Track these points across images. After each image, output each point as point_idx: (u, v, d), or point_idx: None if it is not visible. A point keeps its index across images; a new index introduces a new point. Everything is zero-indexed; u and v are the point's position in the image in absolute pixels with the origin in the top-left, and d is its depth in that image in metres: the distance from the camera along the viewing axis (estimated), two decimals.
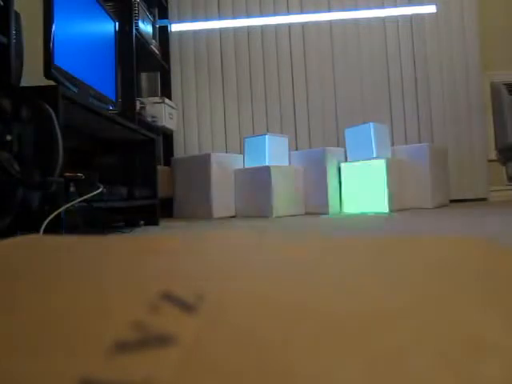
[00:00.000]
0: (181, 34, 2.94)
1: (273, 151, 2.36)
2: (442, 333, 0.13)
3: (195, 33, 2.93)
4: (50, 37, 1.21)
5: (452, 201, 2.68)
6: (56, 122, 1.04)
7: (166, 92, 2.82)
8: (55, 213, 1.04)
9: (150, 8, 2.48)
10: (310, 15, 2.88)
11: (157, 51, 2.55)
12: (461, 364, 0.11)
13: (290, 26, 2.89)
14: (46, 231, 1.00)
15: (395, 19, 2.85)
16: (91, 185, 1.29)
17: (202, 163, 2.34)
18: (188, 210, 2.42)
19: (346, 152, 2.44)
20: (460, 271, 0.21)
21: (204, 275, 0.20)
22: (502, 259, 0.24)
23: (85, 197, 1.21)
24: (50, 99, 1.06)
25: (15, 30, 1.10)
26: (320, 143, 2.80)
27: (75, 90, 1.34)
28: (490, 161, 2.75)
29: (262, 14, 2.90)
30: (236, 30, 2.90)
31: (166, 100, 2.45)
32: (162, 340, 0.12)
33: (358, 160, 2.29)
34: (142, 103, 2.32)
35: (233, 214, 2.38)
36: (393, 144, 2.65)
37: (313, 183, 2.34)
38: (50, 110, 1.04)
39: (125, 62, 2.03)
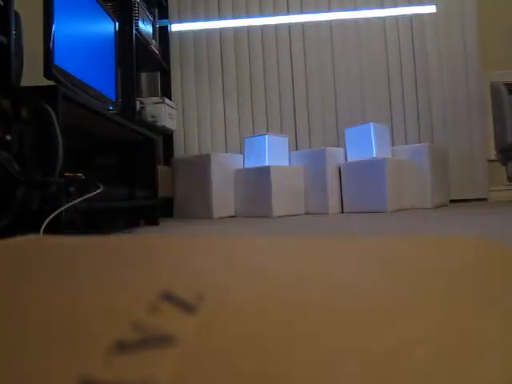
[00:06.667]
0: (181, 34, 2.94)
1: (273, 151, 2.36)
2: (442, 332, 0.13)
3: (195, 33, 2.93)
4: (50, 37, 1.21)
5: (452, 201, 2.68)
6: (56, 122, 1.04)
7: (166, 92, 2.82)
8: (55, 213, 1.04)
9: (150, 8, 2.48)
10: (310, 15, 2.88)
11: (157, 51, 2.55)
12: (461, 364, 0.11)
13: (289, 26, 2.89)
14: (45, 231, 1.00)
15: (395, 19, 2.85)
16: (91, 185, 1.29)
17: (202, 163, 2.34)
18: (188, 210, 2.42)
19: (346, 152, 2.44)
20: (460, 271, 0.21)
21: (204, 275, 0.20)
22: (502, 259, 0.24)
23: (85, 197, 1.21)
24: (50, 99, 1.06)
25: (15, 30, 1.10)
26: (320, 143, 2.80)
27: (75, 89, 1.34)
28: (490, 161, 2.75)
29: (262, 14, 2.90)
30: (236, 30, 2.90)
31: (166, 100, 2.45)
32: (162, 340, 0.12)
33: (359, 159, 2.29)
34: (141, 103, 2.32)
35: (233, 213, 2.38)
36: (393, 144, 2.65)
37: (313, 183, 2.34)
38: (50, 110, 1.04)
39: (125, 62, 2.03)
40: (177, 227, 1.78)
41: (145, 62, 2.45)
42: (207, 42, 2.92)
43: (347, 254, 0.26)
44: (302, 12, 2.89)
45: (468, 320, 0.14)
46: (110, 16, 1.78)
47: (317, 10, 2.88)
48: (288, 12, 2.90)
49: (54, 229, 1.04)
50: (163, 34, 2.82)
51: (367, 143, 2.30)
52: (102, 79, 1.64)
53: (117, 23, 1.85)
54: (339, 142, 2.78)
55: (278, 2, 2.91)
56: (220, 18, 2.92)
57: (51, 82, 1.20)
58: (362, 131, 2.34)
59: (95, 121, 1.44)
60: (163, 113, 2.39)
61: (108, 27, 1.77)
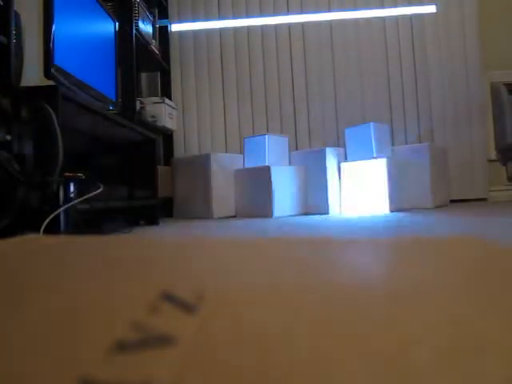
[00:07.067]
0: (181, 34, 2.94)
1: (273, 151, 2.36)
2: (443, 332, 0.13)
3: (195, 33, 2.93)
4: (50, 37, 1.21)
5: (452, 201, 2.68)
6: (56, 122, 1.04)
7: (166, 92, 2.82)
8: (55, 213, 1.04)
9: (150, 8, 2.48)
10: (310, 15, 2.88)
11: (157, 51, 2.55)
12: (461, 363, 0.11)
13: (289, 26, 2.89)
14: (45, 231, 1.00)
15: (395, 19, 2.85)
16: (91, 185, 1.29)
17: (201, 163, 2.34)
18: (188, 210, 2.42)
19: (346, 152, 2.44)
20: (460, 271, 0.21)
21: (204, 275, 0.20)
22: (502, 259, 0.24)
23: (85, 197, 1.21)
24: (50, 99, 1.06)
25: (15, 30, 1.10)
26: (320, 143, 2.80)
27: (75, 89, 1.34)
28: (490, 161, 2.75)
29: (262, 14, 2.90)
30: (236, 30, 2.90)
31: (166, 100, 2.45)
32: (162, 340, 0.12)
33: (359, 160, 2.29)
34: (141, 103, 2.32)
35: (233, 214, 2.38)
36: (393, 144, 2.65)
37: (313, 183, 2.34)
38: (50, 110, 1.04)
39: (125, 62, 2.03)
40: (177, 227, 1.78)
41: (145, 62, 2.45)
42: (207, 42, 2.92)
43: (347, 255, 0.26)
44: (302, 12, 2.89)
45: (468, 320, 0.14)
46: (110, 16, 1.78)
47: (317, 10, 2.88)
48: (288, 12, 2.90)
49: (54, 229, 1.04)
50: (163, 34, 2.81)
51: (367, 143, 2.30)
52: (102, 79, 1.64)
53: (117, 23, 1.85)
54: (339, 142, 2.78)
55: (278, 2, 2.91)
56: (220, 17, 2.92)
57: (51, 82, 1.20)
58: (362, 131, 2.34)
59: (95, 121, 1.44)
60: (163, 113, 2.39)
61: (108, 27, 1.77)
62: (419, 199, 2.30)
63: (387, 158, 2.20)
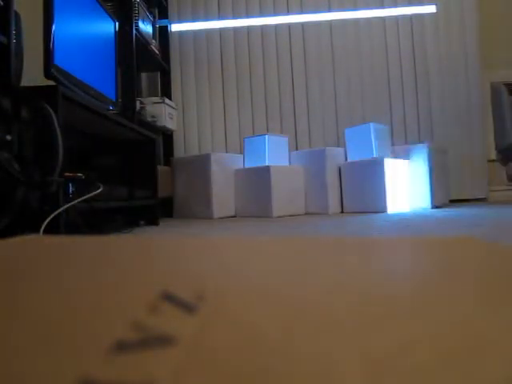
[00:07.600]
0: (181, 34, 2.94)
1: (273, 151, 2.36)
2: (443, 332, 0.13)
3: (195, 33, 2.93)
4: (50, 37, 1.21)
5: (452, 201, 2.68)
6: (56, 122, 1.04)
7: (166, 92, 2.82)
8: (55, 213, 1.04)
9: (149, 8, 2.48)
10: (310, 15, 2.88)
11: (157, 51, 2.55)
12: (461, 363, 0.11)
13: (289, 26, 2.89)
14: (45, 231, 1.00)
15: (395, 19, 2.85)
16: (91, 185, 1.29)
17: (201, 163, 2.34)
18: (188, 210, 2.42)
19: (346, 152, 2.44)
20: (460, 271, 0.21)
21: (204, 275, 0.20)
22: (502, 259, 0.24)
23: (85, 197, 1.21)
24: (50, 99, 1.06)
25: (15, 30, 1.10)
26: (320, 143, 2.80)
27: (75, 89, 1.34)
28: (490, 161, 2.75)
29: (261, 14, 2.90)
30: (236, 30, 2.90)
31: (166, 100, 2.45)
32: (162, 340, 0.12)
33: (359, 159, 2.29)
34: (141, 103, 2.32)
35: (233, 213, 2.38)
36: (393, 144, 2.65)
37: (313, 183, 2.34)
38: (50, 110, 1.04)
39: (125, 62, 2.03)
40: (177, 227, 1.78)
41: (145, 62, 2.45)
42: (207, 42, 2.92)
43: (347, 255, 0.26)
44: (302, 12, 2.89)
45: (469, 319, 0.14)
46: (110, 16, 1.78)
47: (317, 10, 2.88)
48: (288, 12, 2.90)
49: (54, 229, 1.04)
50: (163, 34, 2.82)
51: (367, 143, 2.30)
52: (102, 79, 1.64)
53: (117, 23, 1.85)
54: (339, 142, 2.78)
55: (278, 2, 2.91)
56: (220, 17, 2.92)
57: (51, 82, 1.20)
58: (362, 131, 2.34)
59: (95, 121, 1.44)
60: (163, 113, 2.39)
61: (108, 27, 1.77)
62: (419, 199, 2.30)
63: (388, 157, 2.20)
